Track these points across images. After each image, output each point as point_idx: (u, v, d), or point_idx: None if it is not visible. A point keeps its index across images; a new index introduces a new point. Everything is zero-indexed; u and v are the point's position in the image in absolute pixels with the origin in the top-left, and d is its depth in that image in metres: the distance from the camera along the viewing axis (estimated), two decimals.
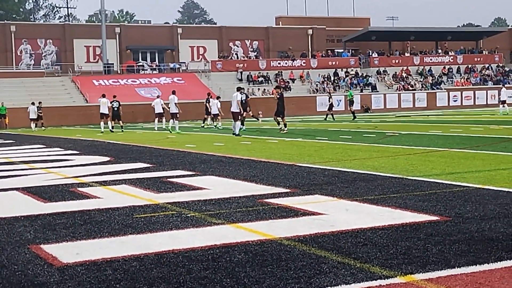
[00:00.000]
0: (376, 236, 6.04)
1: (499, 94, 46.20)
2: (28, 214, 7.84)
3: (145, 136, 26.00)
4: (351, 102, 41.24)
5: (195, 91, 56.34)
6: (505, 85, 50.74)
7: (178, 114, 30.29)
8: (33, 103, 40.43)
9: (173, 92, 31.50)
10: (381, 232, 6.20)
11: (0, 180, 11.59)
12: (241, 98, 26.13)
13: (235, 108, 25.13)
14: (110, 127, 32.47)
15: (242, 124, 27.28)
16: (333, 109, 42.91)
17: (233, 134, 24.13)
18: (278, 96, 26.26)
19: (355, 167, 11.81)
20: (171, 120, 30.12)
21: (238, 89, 26.50)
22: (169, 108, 30.71)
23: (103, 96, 33.94)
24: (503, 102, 41.22)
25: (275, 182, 10.02)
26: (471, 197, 8.11)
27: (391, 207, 7.55)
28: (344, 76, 63.29)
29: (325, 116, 42.18)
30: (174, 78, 58.70)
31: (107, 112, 32.40)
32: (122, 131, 32.10)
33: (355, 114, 39.26)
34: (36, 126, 38.46)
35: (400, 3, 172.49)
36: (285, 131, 24.82)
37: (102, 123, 32.18)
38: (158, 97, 34.27)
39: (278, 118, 26.01)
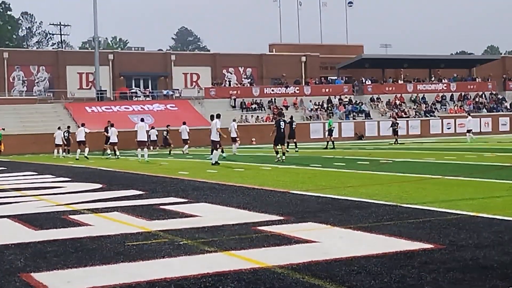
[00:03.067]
0: (370, 264, 6.00)
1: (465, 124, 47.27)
2: (19, 242, 7.76)
3: (138, 163, 25.89)
4: (330, 131, 38.99)
5: (188, 118, 56.24)
6: (471, 114, 51.33)
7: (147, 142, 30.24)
8: (59, 128, 38.98)
9: (142, 120, 31.14)
10: (375, 260, 6.15)
11: None
12: (222, 125, 24.48)
13: (214, 137, 23.63)
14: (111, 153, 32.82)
15: (222, 151, 27.29)
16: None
17: (212, 163, 22.54)
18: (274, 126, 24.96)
19: (349, 194, 11.78)
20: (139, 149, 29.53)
21: (218, 116, 24.73)
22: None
23: (112, 125, 33.71)
24: (469, 131, 42.22)
25: (269, 210, 9.96)
26: (465, 224, 8.08)
27: (385, 234, 7.51)
28: (338, 104, 63.49)
29: (394, 141, 42.08)
30: (168, 105, 58.74)
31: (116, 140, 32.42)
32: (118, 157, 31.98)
33: (334, 144, 37.54)
34: (63, 152, 36.94)
35: (394, 31, 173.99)
36: (281, 159, 23.54)
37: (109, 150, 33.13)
38: (142, 120, 31.44)
39: (277, 146, 24.40)
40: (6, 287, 5.57)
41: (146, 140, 30.10)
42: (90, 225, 9.02)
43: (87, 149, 32.95)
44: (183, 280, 5.60)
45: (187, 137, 37.70)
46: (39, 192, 14.40)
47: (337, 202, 10.71)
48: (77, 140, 33.60)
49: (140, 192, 13.51)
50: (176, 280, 5.59)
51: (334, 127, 39.35)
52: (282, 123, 24.82)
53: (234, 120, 36.49)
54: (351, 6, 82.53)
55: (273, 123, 26.85)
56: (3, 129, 29.00)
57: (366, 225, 8.26)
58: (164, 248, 7.10)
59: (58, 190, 14.81)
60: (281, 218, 9.08)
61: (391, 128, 44.47)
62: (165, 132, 42.68)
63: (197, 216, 9.55)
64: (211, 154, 23.45)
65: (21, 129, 50.01)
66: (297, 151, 31.74)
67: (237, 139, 32.52)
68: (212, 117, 24.96)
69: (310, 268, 5.90)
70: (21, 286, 5.59)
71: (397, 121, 46.25)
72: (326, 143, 38.55)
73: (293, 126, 34.52)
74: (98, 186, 15.54)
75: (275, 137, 24.30)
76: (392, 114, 60.26)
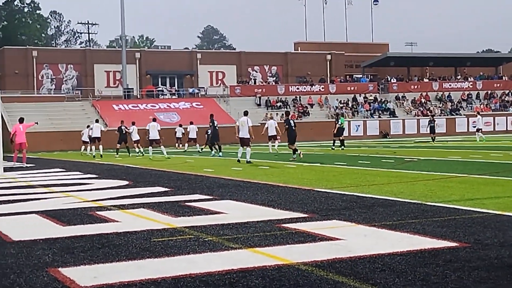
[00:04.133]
0: (394, 262, 6.01)
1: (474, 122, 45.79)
2: (47, 237, 7.88)
3: (163, 160, 26.06)
4: (341, 130, 35.59)
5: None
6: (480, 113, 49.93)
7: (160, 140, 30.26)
8: (88, 126, 38.13)
9: (154, 120, 31.42)
10: (399, 258, 6.16)
11: (20, 203, 11.68)
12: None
13: (244, 134, 23.38)
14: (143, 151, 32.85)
15: (220, 150, 28.91)
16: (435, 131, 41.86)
17: (247, 161, 22.50)
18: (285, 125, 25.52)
19: (373, 192, 11.77)
20: (150, 147, 29.94)
21: (246, 113, 24.47)
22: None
23: (154, 120, 33.38)
24: (479, 130, 41.17)
25: (293, 207, 10.00)
26: (490, 223, 8.04)
27: (409, 233, 7.50)
28: (363, 102, 63.26)
29: (432, 139, 40.91)
30: (193, 103, 59.00)
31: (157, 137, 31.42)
32: (143, 154, 32.11)
33: (344, 144, 36.20)
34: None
35: (419, 29, 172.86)
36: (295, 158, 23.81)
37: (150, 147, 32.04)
38: (154, 120, 31.25)
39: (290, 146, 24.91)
40: (34, 281, 5.67)
41: (158, 138, 29.90)
42: (117, 221, 9.13)
43: (101, 147, 32.91)
44: (208, 276, 5.66)
45: (195, 136, 37.49)
46: (66, 188, 14.58)
47: (362, 200, 10.71)
48: (93, 136, 33.23)
49: (166, 189, 13.61)
50: (201, 276, 5.65)
51: (344, 126, 36.00)
52: (292, 122, 25.69)
53: (272, 118, 35.76)
54: (376, 4, 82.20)
55: (283, 122, 26.77)
56: (37, 123, 29.23)
57: (390, 223, 8.25)
58: (189, 244, 7.16)
59: (85, 186, 14.99)
60: (306, 215, 9.11)
61: (428, 126, 43.19)
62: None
63: (222, 213, 9.61)
64: (243, 151, 23.17)
65: (49, 127, 50.55)
66: (343, 149, 31.77)
67: (278, 137, 31.84)
68: (246, 113, 24.65)
69: (334, 266, 5.93)
70: (49, 280, 5.68)
71: (434, 118, 44.65)
72: (332, 141, 35.89)
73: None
74: (125, 183, 15.69)
75: (289, 135, 24.93)
76: (430, 110, 59.52)
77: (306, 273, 5.67)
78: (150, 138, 29.85)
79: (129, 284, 5.43)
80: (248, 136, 23.25)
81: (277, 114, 59.28)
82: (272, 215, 9.26)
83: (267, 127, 30.79)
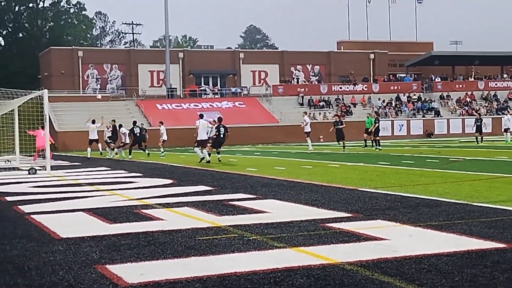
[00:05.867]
0: (440, 263, 5.95)
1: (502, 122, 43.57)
2: (94, 234, 8.00)
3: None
4: (367, 131, 35.03)
5: (256, 115, 56.69)
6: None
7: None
8: (121, 126, 34.84)
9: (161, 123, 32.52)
10: (446, 259, 6.10)
11: (67, 201, 11.88)
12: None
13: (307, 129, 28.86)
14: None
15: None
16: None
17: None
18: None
19: (418, 192, 11.65)
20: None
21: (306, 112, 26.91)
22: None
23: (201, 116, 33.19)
24: (507, 130, 39.50)
25: (337, 207, 9.96)
26: None
27: (455, 233, 7.42)
28: (407, 101, 62.65)
29: (475, 140, 39.50)
30: (236, 103, 59.22)
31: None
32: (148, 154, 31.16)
33: (367, 143, 34.63)
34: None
35: (464, 27, 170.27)
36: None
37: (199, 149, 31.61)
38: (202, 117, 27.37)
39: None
40: (82, 278, 5.76)
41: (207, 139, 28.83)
42: (162, 219, 9.22)
43: (100, 145, 33.05)
44: (253, 274, 5.68)
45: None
46: (112, 187, 14.79)
47: (406, 200, 10.62)
48: (91, 138, 32.62)
49: (210, 188, 13.69)
50: (246, 275, 5.67)
51: (371, 127, 34.91)
52: (340, 122, 31.31)
53: (306, 113, 35.12)
54: (420, 3, 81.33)
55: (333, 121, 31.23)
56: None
57: (436, 223, 8.17)
58: (234, 243, 7.20)
59: (130, 185, 15.18)
60: (350, 215, 9.07)
61: (475, 125, 41.94)
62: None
63: (265, 212, 9.63)
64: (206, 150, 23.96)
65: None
66: (380, 149, 31.56)
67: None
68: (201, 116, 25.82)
69: (379, 266, 5.90)
70: (96, 277, 5.77)
71: (481, 117, 43.39)
72: (364, 141, 35.58)
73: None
74: (169, 181, 15.83)
75: (336, 134, 30.80)
76: (477, 110, 58.60)
77: (351, 273, 5.65)
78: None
79: (175, 282, 5.48)
80: (207, 138, 24.43)
81: (319, 113, 59.13)
82: (316, 214, 9.25)
83: (305, 124, 31.29)
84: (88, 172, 21.02)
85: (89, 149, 32.32)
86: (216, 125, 24.94)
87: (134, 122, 32.49)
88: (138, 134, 31.75)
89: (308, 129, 31.68)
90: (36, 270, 6.09)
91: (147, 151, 31.28)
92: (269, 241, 7.27)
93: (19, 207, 11.15)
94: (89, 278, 5.73)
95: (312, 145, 31.91)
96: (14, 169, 22.52)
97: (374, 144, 33.70)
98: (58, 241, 7.64)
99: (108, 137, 32.72)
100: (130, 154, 30.68)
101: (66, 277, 5.80)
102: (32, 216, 9.89)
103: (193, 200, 11.43)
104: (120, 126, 32.80)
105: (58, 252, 6.94)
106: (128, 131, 32.23)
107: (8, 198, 12.76)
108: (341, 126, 31.90)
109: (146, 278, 5.65)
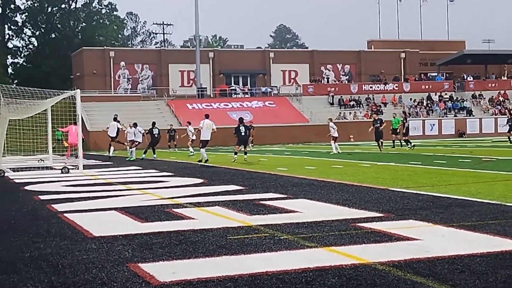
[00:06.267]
0: (474, 263, 5.89)
1: None
2: (126, 233, 8.08)
3: (237, 159, 26.24)
4: (395, 131, 34.45)
5: (286, 115, 56.64)
6: None
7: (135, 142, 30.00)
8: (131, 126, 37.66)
9: (154, 124, 31.49)
10: (479, 260, 6.04)
11: (100, 200, 12.00)
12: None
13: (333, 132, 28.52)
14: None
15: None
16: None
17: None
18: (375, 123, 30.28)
19: (450, 192, 11.55)
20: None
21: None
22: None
23: (189, 123, 33.64)
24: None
25: (368, 206, 9.92)
26: None
27: (489, 234, 7.34)
28: (438, 100, 62.09)
29: (508, 139, 38.46)
30: (266, 102, 59.23)
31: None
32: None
33: (395, 143, 34.86)
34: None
35: (497, 25, 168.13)
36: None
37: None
38: (207, 117, 26.18)
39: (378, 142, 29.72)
40: (115, 276, 5.82)
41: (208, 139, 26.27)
42: (193, 218, 9.26)
43: (112, 148, 32.21)
44: (284, 274, 5.68)
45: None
46: (144, 186, 14.90)
47: (438, 200, 10.53)
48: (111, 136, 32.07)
49: (240, 188, 13.72)
50: (277, 274, 5.68)
51: (398, 127, 34.40)
52: (380, 121, 30.74)
53: (331, 120, 34.55)
54: (452, 1, 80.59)
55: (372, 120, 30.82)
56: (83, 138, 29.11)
57: (469, 223, 8.09)
58: (265, 242, 7.21)
59: (161, 184, 15.27)
60: (381, 215, 9.02)
61: (507, 125, 40.99)
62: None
63: (296, 211, 9.62)
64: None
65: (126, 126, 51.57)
66: (413, 147, 31.44)
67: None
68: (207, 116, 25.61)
69: (411, 266, 5.86)
70: (129, 275, 5.82)
71: None
72: (392, 142, 35.52)
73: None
74: (200, 181, 15.89)
75: (375, 133, 30.35)
76: (509, 109, 57.74)
77: (383, 273, 5.63)
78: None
79: (207, 281, 5.51)
80: (209, 139, 24.59)
81: (350, 113, 58.91)
82: (347, 214, 9.22)
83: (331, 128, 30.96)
84: (120, 171, 21.20)
85: (112, 148, 32.00)
86: (236, 126, 25.24)
87: (153, 123, 31.54)
88: (156, 135, 30.81)
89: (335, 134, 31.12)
90: (70, 268, 6.17)
91: (155, 155, 30.49)
92: (300, 240, 7.27)
93: (53, 205, 11.29)
94: (122, 276, 5.79)
95: (340, 145, 31.72)
96: (47, 168, 22.80)
97: (405, 143, 33.50)
98: (91, 240, 7.73)
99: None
100: (144, 154, 30.01)
101: (99, 275, 5.86)
102: (65, 214, 10.01)
103: (224, 200, 11.47)
104: (136, 124, 32.15)
105: (91, 251, 7.02)
106: (146, 131, 31.39)
107: (42, 197, 12.92)
108: (380, 126, 31.19)
109: (178, 276, 5.69)
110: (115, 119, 32.80)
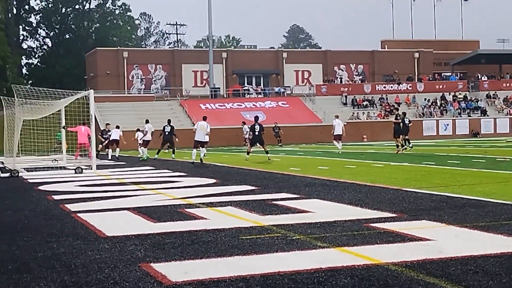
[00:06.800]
0: (487, 264, 5.85)
1: None
2: (139, 233, 8.09)
3: (250, 159, 26.27)
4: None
5: (299, 115, 56.59)
6: None
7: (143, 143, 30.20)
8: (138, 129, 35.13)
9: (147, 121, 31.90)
10: (493, 260, 5.99)
11: (113, 200, 12.03)
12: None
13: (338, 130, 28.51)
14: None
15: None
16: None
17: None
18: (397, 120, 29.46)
19: (464, 192, 11.48)
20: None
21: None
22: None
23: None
24: None
25: (381, 207, 9.88)
26: None
27: (503, 234, 7.29)
28: (452, 100, 61.80)
29: None
30: (279, 102, 59.21)
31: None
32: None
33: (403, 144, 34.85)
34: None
35: (511, 25, 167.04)
36: (402, 150, 27.74)
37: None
38: (205, 119, 26.02)
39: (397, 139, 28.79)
40: (128, 276, 5.83)
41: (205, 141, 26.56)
42: (206, 218, 9.26)
43: (118, 150, 32.28)
44: (297, 274, 5.67)
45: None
46: (156, 186, 14.92)
47: (452, 200, 10.47)
48: (111, 139, 32.64)
49: (253, 188, 13.71)
50: (290, 274, 5.66)
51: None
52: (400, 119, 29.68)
53: (337, 117, 34.12)
54: (466, 1, 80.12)
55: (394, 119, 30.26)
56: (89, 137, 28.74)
57: (483, 224, 8.04)
58: (277, 242, 7.19)
59: (174, 184, 15.29)
60: (394, 215, 8.98)
61: None
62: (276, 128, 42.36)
63: (309, 211, 9.60)
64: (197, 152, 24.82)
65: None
66: (411, 147, 31.06)
67: (344, 135, 31.56)
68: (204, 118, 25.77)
69: (424, 266, 5.83)
70: (141, 275, 5.83)
71: None
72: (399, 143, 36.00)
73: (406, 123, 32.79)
74: (212, 181, 15.90)
75: (395, 130, 29.14)
76: None
77: (395, 274, 5.60)
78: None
79: (219, 281, 5.50)
80: (204, 140, 25.33)
81: (363, 113, 58.75)
82: (359, 214, 9.19)
83: (334, 126, 30.72)
84: (133, 171, 21.26)
85: (145, 149, 31.20)
86: (251, 124, 25.50)
87: (169, 121, 31.13)
88: (167, 133, 30.22)
89: (339, 131, 30.73)
90: (83, 268, 6.19)
91: (173, 155, 30.21)
92: (312, 240, 7.25)
93: (66, 205, 11.33)
94: (134, 276, 5.80)
95: (354, 145, 31.63)
96: (61, 168, 22.91)
97: (405, 143, 33.32)
98: (103, 239, 7.74)
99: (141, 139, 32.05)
100: (157, 154, 29.70)
101: (112, 275, 5.87)
102: (78, 214, 10.04)
103: (237, 200, 11.46)
104: (147, 121, 32.20)
105: (104, 250, 7.04)
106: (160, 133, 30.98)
107: (55, 197, 12.98)
108: (401, 122, 30.65)
109: (190, 276, 5.68)
110: (147, 122, 32.47)
